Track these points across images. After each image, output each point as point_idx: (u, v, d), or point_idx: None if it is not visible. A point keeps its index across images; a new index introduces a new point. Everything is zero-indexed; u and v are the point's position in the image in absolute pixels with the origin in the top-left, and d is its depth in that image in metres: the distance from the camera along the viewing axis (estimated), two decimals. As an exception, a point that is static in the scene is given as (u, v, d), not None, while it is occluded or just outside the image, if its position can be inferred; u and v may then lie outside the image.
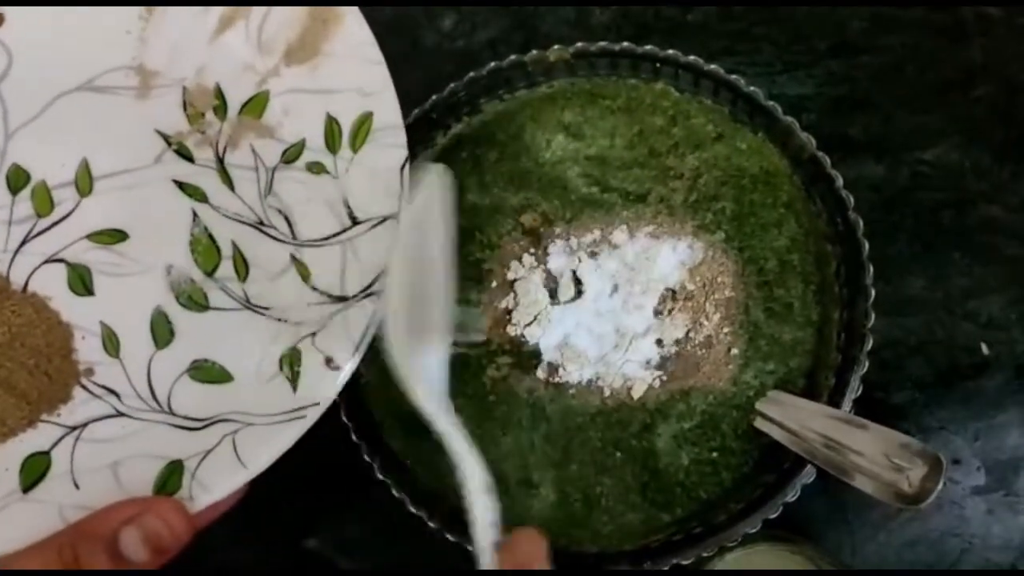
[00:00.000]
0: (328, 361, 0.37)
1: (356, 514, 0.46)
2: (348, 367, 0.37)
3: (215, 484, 0.35)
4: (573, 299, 0.42)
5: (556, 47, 0.44)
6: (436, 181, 0.37)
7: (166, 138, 0.38)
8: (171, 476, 0.35)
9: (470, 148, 0.44)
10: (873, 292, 0.40)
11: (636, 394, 0.41)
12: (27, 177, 0.37)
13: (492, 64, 0.44)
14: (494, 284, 0.43)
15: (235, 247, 0.39)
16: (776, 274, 0.42)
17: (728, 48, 0.49)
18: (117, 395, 0.37)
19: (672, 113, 0.44)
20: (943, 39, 0.48)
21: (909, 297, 0.46)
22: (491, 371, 0.42)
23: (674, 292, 0.42)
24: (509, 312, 0.42)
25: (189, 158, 0.38)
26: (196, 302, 0.38)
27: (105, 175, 0.38)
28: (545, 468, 0.41)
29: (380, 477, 0.41)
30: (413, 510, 0.40)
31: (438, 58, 0.50)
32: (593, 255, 0.43)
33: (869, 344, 0.40)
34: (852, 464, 0.35)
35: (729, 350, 0.42)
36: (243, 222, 0.39)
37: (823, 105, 0.48)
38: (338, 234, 0.38)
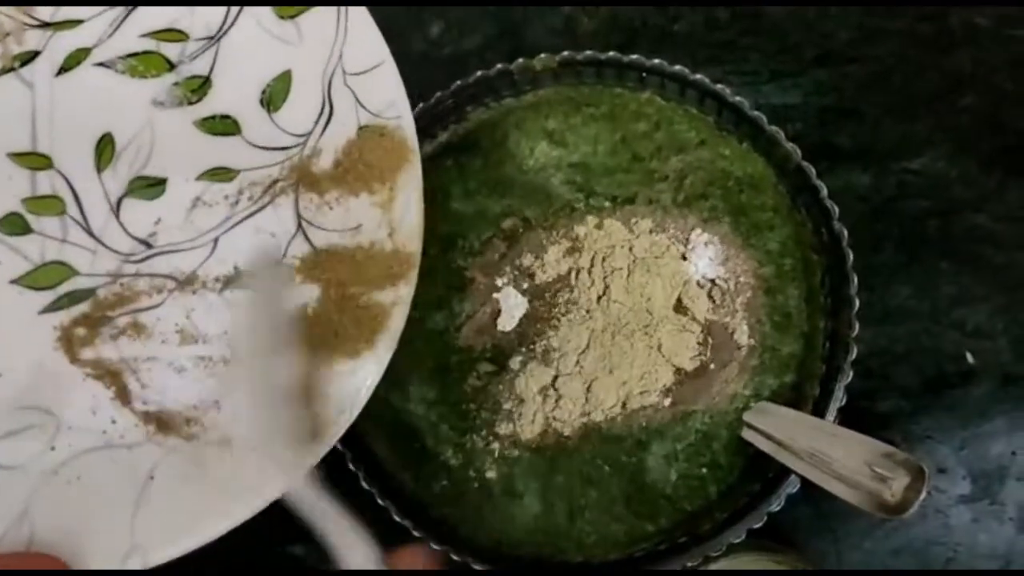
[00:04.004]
0: None
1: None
2: None
3: None
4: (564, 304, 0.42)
5: (543, 55, 0.44)
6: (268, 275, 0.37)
7: None
8: None
9: (455, 156, 0.45)
10: (857, 302, 0.40)
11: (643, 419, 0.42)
12: None
13: (479, 73, 0.44)
14: (476, 291, 0.43)
15: None
16: (776, 280, 0.42)
17: (715, 57, 0.49)
18: None
19: (656, 119, 0.44)
20: (930, 49, 0.49)
21: (895, 306, 0.46)
22: (471, 379, 0.42)
23: (708, 291, 0.42)
24: (494, 318, 0.42)
25: None
26: None
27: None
28: (530, 478, 0.41)
29: (365, 486, 0.41)
30: (398, 519, 0.40)
31: (426, 66, 0.50)
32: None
33: (853, 354, 0.40)
34: (835, 474, 0.35)
35: (743, 367, 0.42)
36: None
37: (810, 114, 0.48)
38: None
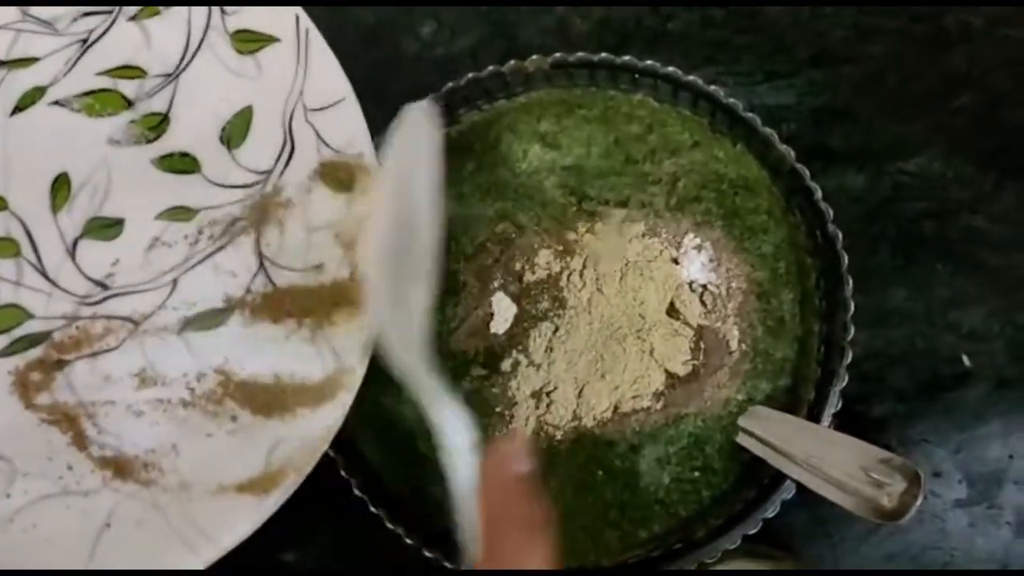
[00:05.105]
0: None
1: (334, 529, 0.46)
2: None
3: None
4: (551, 308, 0.42)
5: (535, 57, 0.44)
6: (421, 120, 0.35)
7: None
8: None
9: (447, 158, 0.44)
10: (853, 305, 0.40)
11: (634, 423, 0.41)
12: None
13: (471, 74, 0.44)
14: (469, 294, 0.43)
15: None
16: (770, 283, 0.42)
17: (709, 58, 0.48)
18: None
19: (649, 122, 0.44)
20: (925, 49, 0.48)
21: (891, 308, 0.46)
22: (464, 383, 0.42)
23: (700, 295, 0.42)
24: (487, 322, 0.42)
25: None
26: None
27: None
28: (523, 483, 0.41)
29: (358, 493, 0.40)
30: (390, 526, 0.40)
31: (418, 67, 0.49)
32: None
33: (848, 358, 0.39)
34: (831, 479, 0.35)
35: (735, 371, 0.41)
36: None
37: (804, 115, 0.48)
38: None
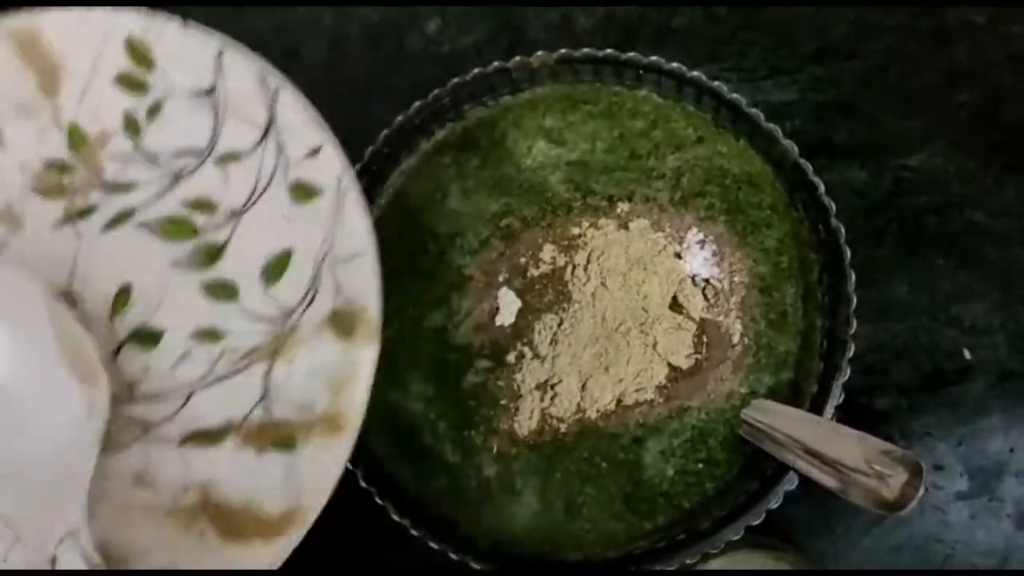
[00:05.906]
0: None
1: (341, 520, 0.46)
2: None
3: None
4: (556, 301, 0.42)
5: (540, 53, 0.44)
6: None
7: None
8: None
9: (453, 154, 0.45)
10: (855, 299, 0.40)
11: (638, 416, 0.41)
12: None
13: (476, 70, 0.44)
14: (475, 289, 0.43)
15: None
16: (772, 278, 0.42)
17: (713, 54, 0.49)
18: None
19: (653, 117, 0.44)
20: (926, 44, 0.49)
21: (893, 302, 0.46)
22: (470, 376, 0.42)
23: (703, 289, 0.42)
24: (492, 316, 0.42)
25: None
26: None
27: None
28: (528, 475, 0.41)
29: (364, 485, 0.41)
30: (396, 518, 0.40)
31: (424, 62, 0.50)
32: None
33: (851, 351, 0.40)
34: (834, 471, 0.35)
35: (737, 364, 0.42)
36: None
37: (807, 110, 0.48)
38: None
